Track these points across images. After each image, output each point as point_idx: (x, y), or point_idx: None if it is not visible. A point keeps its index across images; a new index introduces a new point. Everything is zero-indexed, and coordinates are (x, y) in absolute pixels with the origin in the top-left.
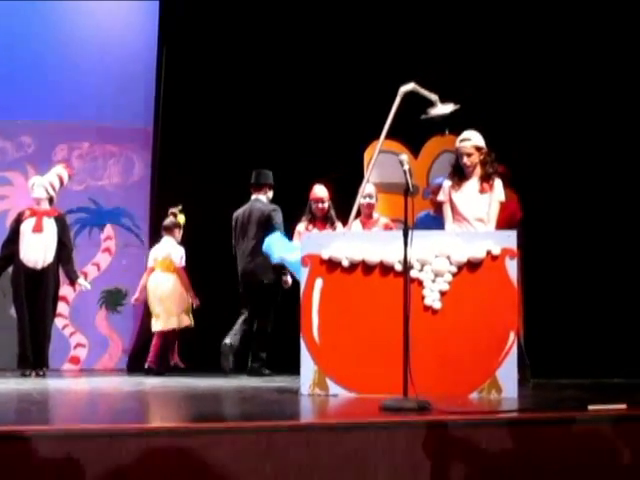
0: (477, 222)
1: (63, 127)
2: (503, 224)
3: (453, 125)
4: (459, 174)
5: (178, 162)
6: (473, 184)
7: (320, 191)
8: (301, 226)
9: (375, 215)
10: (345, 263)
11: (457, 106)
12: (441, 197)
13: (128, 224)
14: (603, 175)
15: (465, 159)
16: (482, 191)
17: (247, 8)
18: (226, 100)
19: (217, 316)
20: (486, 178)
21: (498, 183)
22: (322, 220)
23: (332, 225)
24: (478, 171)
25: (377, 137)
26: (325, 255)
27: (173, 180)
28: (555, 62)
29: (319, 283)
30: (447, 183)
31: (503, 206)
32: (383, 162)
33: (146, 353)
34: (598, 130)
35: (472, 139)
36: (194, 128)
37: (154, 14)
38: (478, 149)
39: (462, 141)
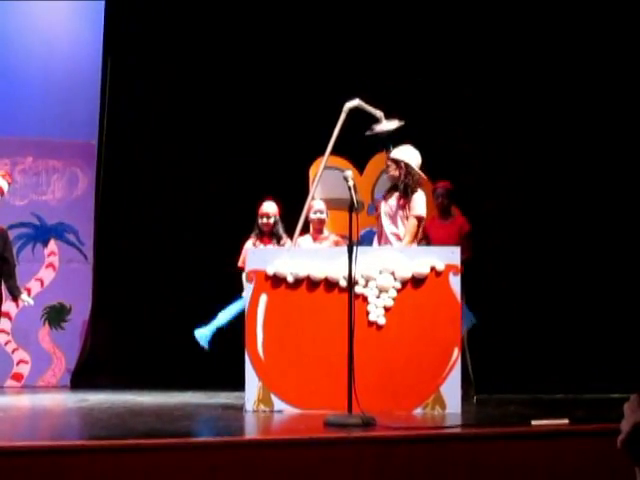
0: (392, 236)
1: (4, 142)
2: (453, 239)
3: (397, 141)
4: (392, 187)
5: (123, 176)
6: (395, 198)
7: (266, 206)
8: (249, 243)
9: (326, 232)
10: (290, 279)
11: (401, 122)
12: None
13: (72, 239)
14: (566, 183)
15: (388, 171)
16: (400, 206)
17: (192, 21)
18: (172, 114)
19: (159, 331)
20: (404, 193)
21: (417, 197)
22: (269, 236)
23: (278, 241)
24: (399, 186)
25: (322, 153)
26: (270, 271)
27: (118, 195)
28: (509, 68)
29: (264, 299)
30: (380, 196)
31: (451, 221)
32: (328, 178)
33: (91, 369)
34: (560, 134)
35: (395, 152)
36: (139, 141)
37: (98, 24)
38: (396, 162)
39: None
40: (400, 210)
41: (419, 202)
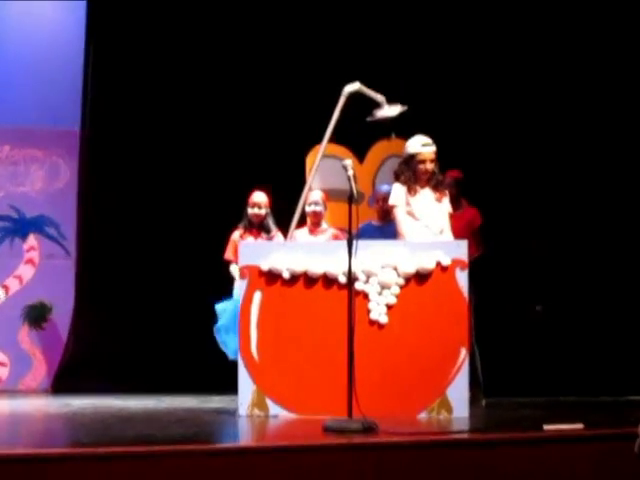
0: (440, 235)
1: None
2: (462, 233)
3: (400, 128)
4: (413, 179)
5: (108, 166)
6: (428, 192)
7: (257, 196)
8: (236, 234)
9: (324, 225)
10: (286, 275)
11: (404, 108)
12: (394, 200)
13: (53, 234)
14: (573, 179)
15: (428, 165)
16: (439, 200)
17: (180, 1)
18: (159, 100)
19: (147, 331)
20: (438, 186)
21: (447, 192)
22: (258, 228)
23: (267, 234)
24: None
25: (319, 141)
26: (265, 266)
27: (102, 185)
28: (515, 56)
29: (258, 296)
30: (400, 186)
31: (460, 213)
32: (326, 167)
33: (74, 372)
34: (563, 128)
35: (433, 145)
36: (125, 128)
37: (80, 4)
38: (436, 155)
39: (425, 145)
40: (439, 205)
41: (449, 197)
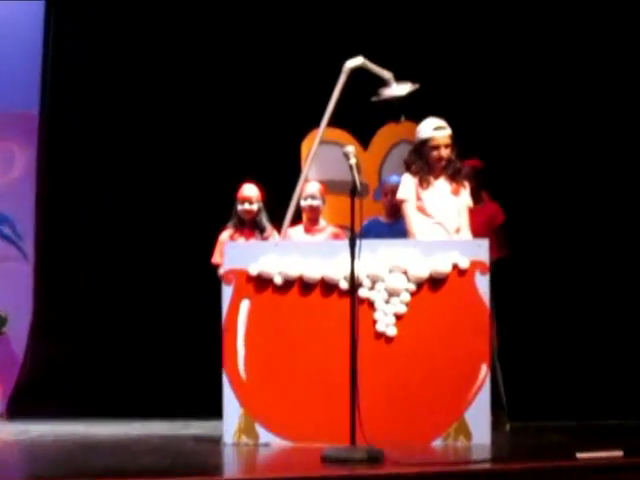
0: (456, 234)
1: None
2: (482, 231)
3: (411, 110)
4: (425, 169)
5: (70, 154)
6: (443, 184)
7: (247, 190)
8: (225, 235)
9: (322, 222)
10: (278, 280)
11: (416, 86)
12: (403, 194)
13: (7, 232)
14: (597, 175)
15: (443, 151)
16: (455, 193)
17: None
18: (131, 78)
19: (115, 346)
20: (456, 177)
21: (467, 184)
22: (250, 227)
23: (262, 233)
24: (444, 168)
25: (317, 125)
26: (253, 270)
27: (64, 177)
28: (542, 36)
29: (245, 305)
30: (410, 178)
31: (479, 208)
32: (324, 155)
33: (32, 393)
34: (593, 119)
35: (448, 127)
36: (90, 112)
37: None
38: (452, 140)
39: (438, 129)
40: (456, 198)
41: (469, 190)
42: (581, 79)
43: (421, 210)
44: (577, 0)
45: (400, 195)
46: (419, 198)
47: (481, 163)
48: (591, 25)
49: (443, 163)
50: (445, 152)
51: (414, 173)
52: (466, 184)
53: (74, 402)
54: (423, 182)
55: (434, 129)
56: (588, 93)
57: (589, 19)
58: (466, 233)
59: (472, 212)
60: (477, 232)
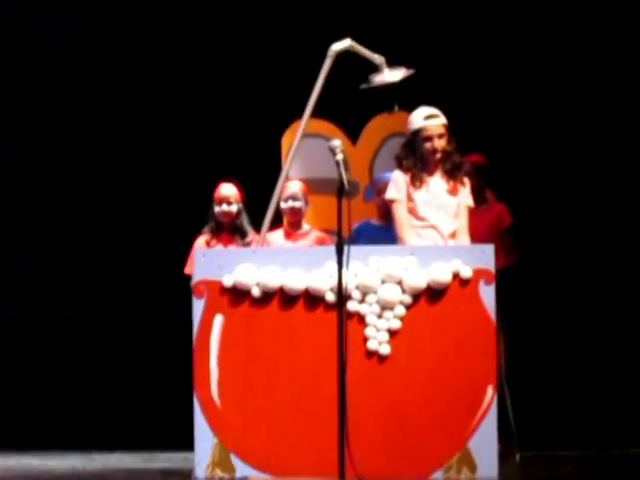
0: (452, 239)
1: None
2: (486, 235)
3: (405, 99)
4: (418, 165)
5: (10, 145)
6: (438, 182)
7: (225, 189)
8: (200, 241)
9: (305, 226)
10: (256, 292)
11: (410, 72)
12: (393, 194)
13: None
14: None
15: (436, 142)
16: (453, 192)
17: None
18: (85, 57)
19: (71, 367)
20: (454, 173)
21: (467, 181)
22: (229, 231)
23: (243, 238)
24: (440, 164)
25: (299, 116)
26: (228, 281)
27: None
28: (553, 25)
29: (219, 321)
30: (401, 175)
31: (483, 210)
32: (308, 150)
33: None
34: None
35: (441, 116)
36: (35, 95)
37: None
38: (448, 130)
39: (430, 117)
40: (453, 198)
41: (469, 188)
42: (596, 74)
43: (412, 212)
44: None
45: (389, 195)
46: (410, 198)
47: (484, 159)
48: (597, 16)
49: (438, 156)
50: (439, 143)
51: (405, 170)
52: (466, 181)
53: (26, 431)
54: (415, 180)
55: (425, 118)
56: (603, 88)
57: (595, 10)
58: (464, 237)
59: (475, 214)
60: (481, 236)
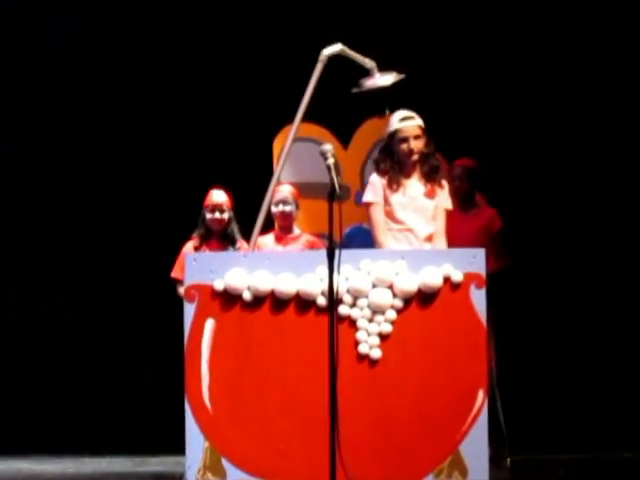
0: (427, 242)
1: None
2: (477, 239)
3: (396, 103)
4: (395, 168)
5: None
6: (416, 185)
7: (216, 196)
8: (188, 246)
9: (296, 230)
10: (247, 296)
11: (402, 76)
12: (369, 197)
13: None
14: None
15: (412, 143)
16: (430, 195)
17: None
18: (81, 71)
19: (59, 371)
20: (432, 176)
21: (446, 184)
22: (220, 238)
23: (233, 245)
24: (417, 166)
25: (291, 120)
26: (219, 285)
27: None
28: (546, 29)
29: (210, 325)
30: (378, 178)
31: (474, 214)
32: (299, 155)
33: None
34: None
35: (417, 117)
36: (27, 97)
37: None
38: (425, 131)
39: (405, 119)
40: (430, 201)
41: (448, 190)
42: (589, 77)
43: (389, 215)
44: None
45: (365, 198)
46: (387, 201)
47: (475, 163)
48: (591, 18)
49: (414, 157)
50: (415, 144)
51: (382, 173)
52: (444, 184)
53: (16, 435)
54: (392, 183)
55: (400, 120)
56: (595, 92)
57: (588, 13)
58: (441, 241)
59: (466, 218)
60: (472, 240)
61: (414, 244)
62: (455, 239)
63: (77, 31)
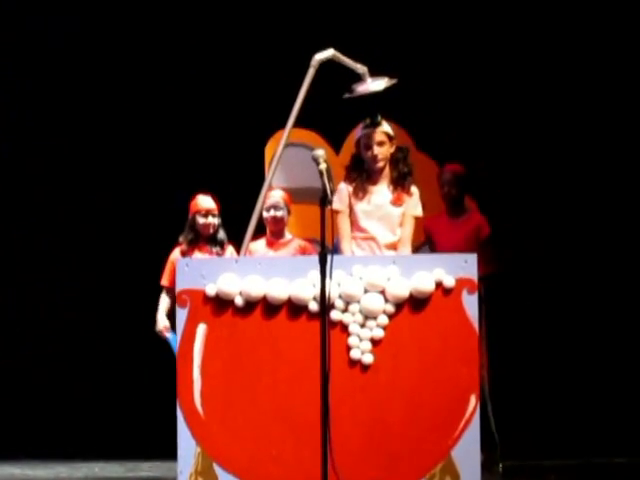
0: (390, 249)
1: None
2: (465, 245)
3: (388, 108)
4: (363, 176)
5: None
6: (383, 192)
7: (204, 201)
8: (176, 252)
9: (288, 235)
10: (239, 301)
11: (393, 81)
12: (336, 205)
13: None
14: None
15: (375, 149)
16: (397, 202)
17: None
18: (66, 64)
19: (52, 376)
20: (400, 182)
21: (415, 191)
22: (207, 243)
23: (222, 250)
24: (387, 172)
25: (282, 126)
26: (211, 290)
27: None
28: (539, 33)
29: (202, 330)
30: (345, 186)
31: (464, 219)
32: (290, 160)
33: None
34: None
35: (382, 123)
36: (18, 99)
37: None
38: (390, 138)
39: (369, 126)
40: (396, 209)
41: (417, 197)
42: (579, 82)
43: (354, 223)
44: None
45: (333, 206)
46: (352, 210)
47: (463, 168)
48: (586, 21)
49: (380, 164)
50: (379, 150)
51: (350, 181)
52: (413, 191)
53: (8, 440)
54: (358, 191)
55: (365, 127)
56: (585, 97)
57: (583, 15)
58: (406, 248)
59: (455, 224)
60: (460, 246)
61: (376, 252)
62: (444, 244)
63: (77, 31)
